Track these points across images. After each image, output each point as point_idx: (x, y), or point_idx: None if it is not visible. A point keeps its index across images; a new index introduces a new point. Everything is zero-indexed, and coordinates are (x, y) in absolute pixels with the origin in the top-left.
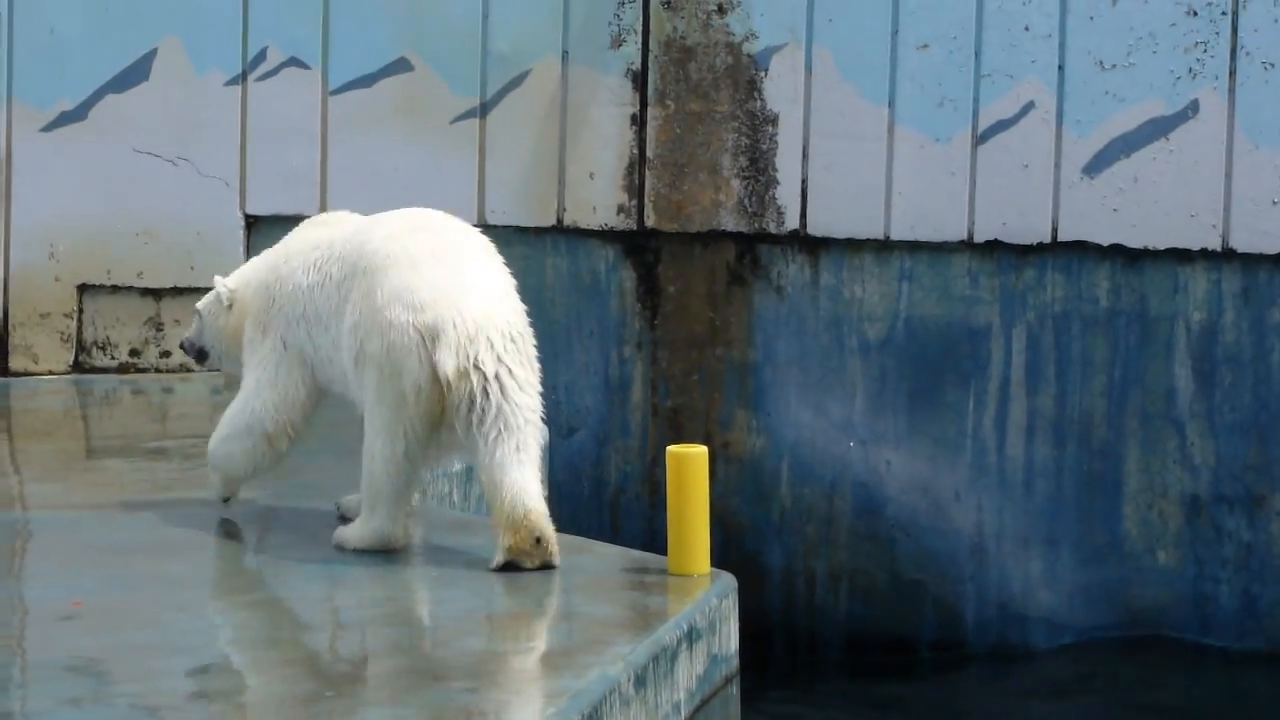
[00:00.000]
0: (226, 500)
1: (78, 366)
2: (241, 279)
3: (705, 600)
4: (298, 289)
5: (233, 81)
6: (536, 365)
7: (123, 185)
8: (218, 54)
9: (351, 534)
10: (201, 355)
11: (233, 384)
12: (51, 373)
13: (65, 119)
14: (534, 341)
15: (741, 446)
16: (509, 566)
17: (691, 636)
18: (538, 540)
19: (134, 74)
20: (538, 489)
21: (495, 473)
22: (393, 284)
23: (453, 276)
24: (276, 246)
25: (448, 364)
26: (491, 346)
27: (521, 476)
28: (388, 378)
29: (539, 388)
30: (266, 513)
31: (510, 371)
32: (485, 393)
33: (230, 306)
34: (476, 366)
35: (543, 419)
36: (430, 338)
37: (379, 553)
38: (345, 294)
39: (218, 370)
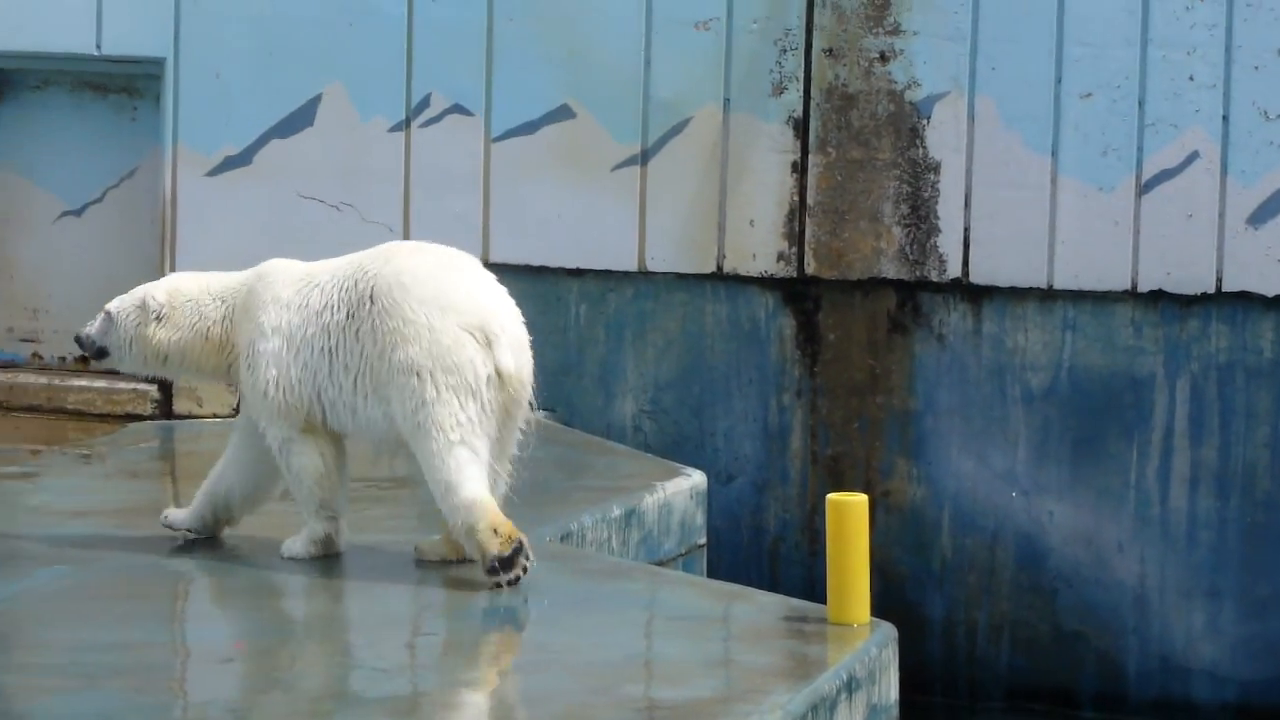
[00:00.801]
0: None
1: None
2: (180, 297)
3: (865, 650)
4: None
5: (396, 128)
6: None
7: (287, 230)
8: (382, 100)
9: (468, 547)
10: (101, 354)
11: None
12: (215, 416)
13: (230, 164)
14: None
15: (902, 495)
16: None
17: (851, 686)
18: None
19: (299, 120)
20: None
21: (497, 476)
22: (420, 295)
23: (476, 286)
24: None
25: (508, 363)
26: (523, 350)
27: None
28: (440, 374)
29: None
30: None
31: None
32: (522, 396)
33: (158, 319)
34: (522, 368)
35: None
36: (484, 338)
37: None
38: (352, 325)
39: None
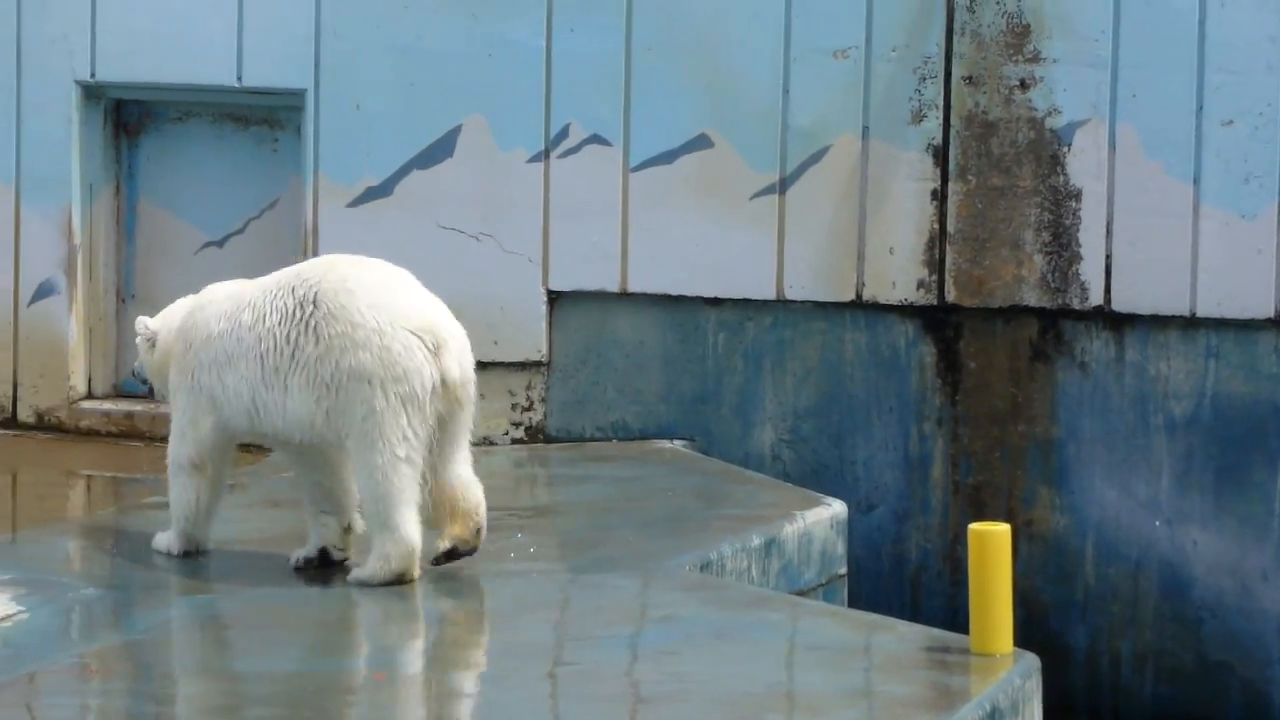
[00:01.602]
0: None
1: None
2: (166, 323)
3: (1008, 680)
4: (211, 336)
5: (535, 158)
6: None
7: (427, 261)
8: (521, 131)
9: (370, 568)
10: (151, 387)
11: None
12: None
13: (371, 195)
14: None
15: (1044, 524)
16: (450, 554)
17: (994, 717)
18: (477, 531)
19: (439, 151)
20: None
21: (451, 470)
22: (367, 302)
23: (419, 295)
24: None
25: (453, 371)
26: (467, 357)
27: (469, 474)
28: (389, 383)
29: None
30: (568, 584)
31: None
32: (466, 399)
33: (151, 345)
34: (466, 375)
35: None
36: (432, 345)
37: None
38: (285, 328)
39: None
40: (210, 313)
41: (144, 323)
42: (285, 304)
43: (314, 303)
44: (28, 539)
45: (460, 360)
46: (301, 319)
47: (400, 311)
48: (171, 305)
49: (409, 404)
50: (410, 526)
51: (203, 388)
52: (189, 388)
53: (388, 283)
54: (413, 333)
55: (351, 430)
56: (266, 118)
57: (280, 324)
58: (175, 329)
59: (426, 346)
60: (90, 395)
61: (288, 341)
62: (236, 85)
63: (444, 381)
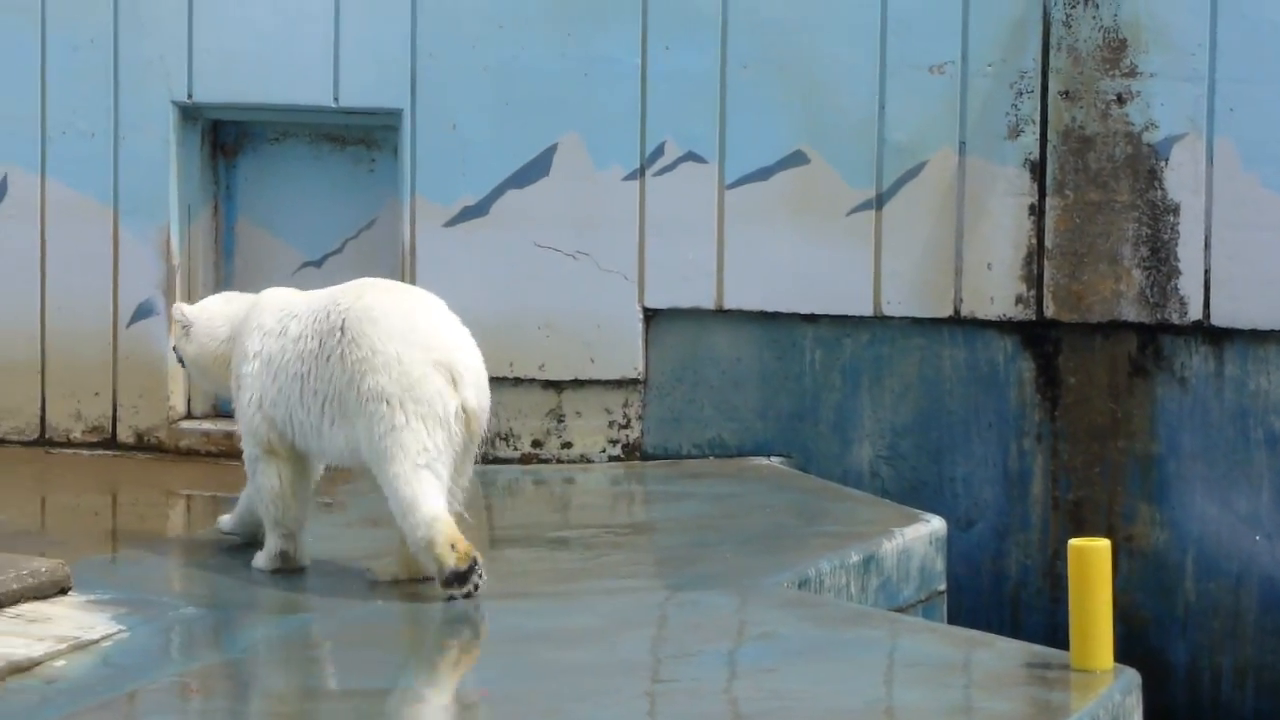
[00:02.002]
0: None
1: (481, 457)
2: (204, 314)
3: (1109, 696)
4: (265, 337)
5: (630, 176)
6: None
7: (524, 279)
8: (616, 149)
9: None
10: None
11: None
12: None
13: (467, 214)
14: None
15: (1144, 540)
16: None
17: None
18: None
19: (535, 169)
20: None
21: (453, 499)
22: (389, 328)
23: (443, 324)
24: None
25: (470, 400)
26: (483, 388)
27: (449, 505)
28: (409, 403)
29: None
30: (665, 601)
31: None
32: (476, 432)
33: (185, 332)
34: (482, 405)
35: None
36: (449, 374)
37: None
38: (322, 353)
39: None
40: (265, 318)
41: (181, 310)
42: (321, 328)
43: (341, 329)
44: (127, 559)
45: (478, 390)
46: (331, 345)
47: (420, 340)
48: (215, 297)
49: (428, 420)
50: (435, 505)
51: (253, 387)
52: (243, 385)
53: (412, 312)
54: (431, 362)
55: (373, 448)
56: (363, 138)
57: (318, 348)
58: (231, 324)
59: (444, 376)
60: (189, 415)
61: (322, 365)
62: (333, 105)
63: (464, 410)
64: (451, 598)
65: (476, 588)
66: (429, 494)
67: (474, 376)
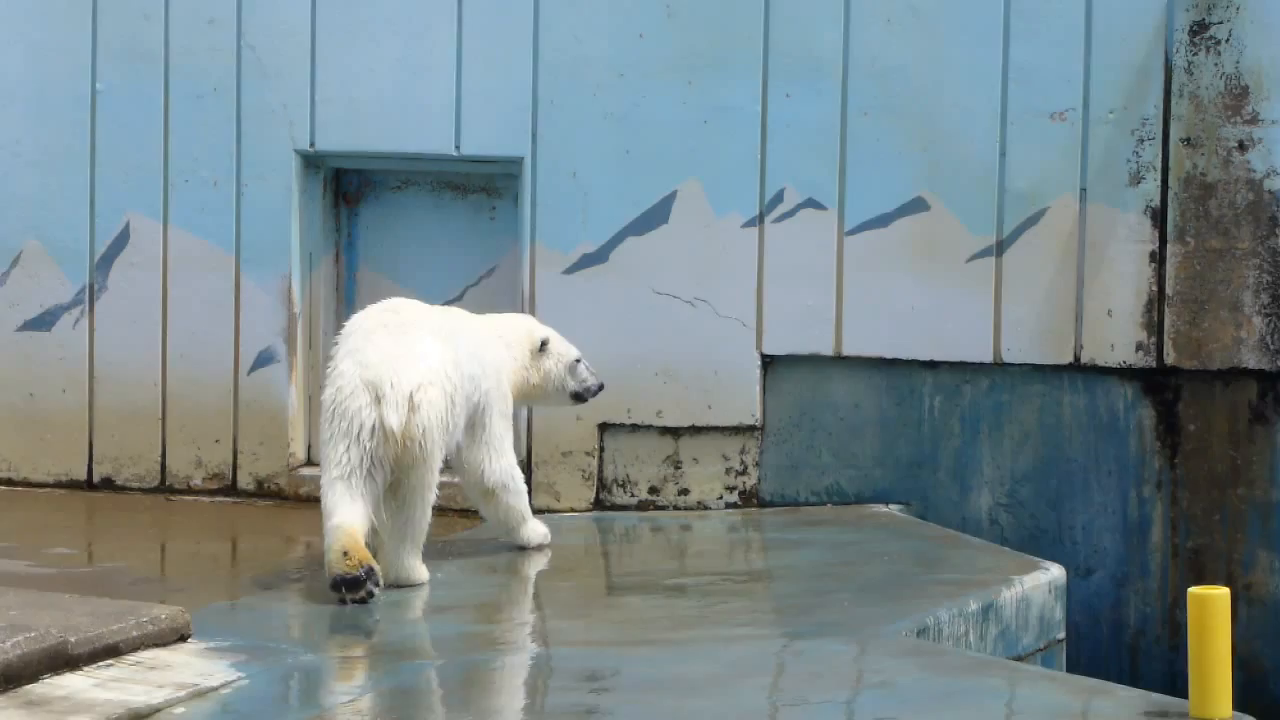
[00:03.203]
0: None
1: (598, 504)
2: None
3: None
4: None
5: (750, 223)
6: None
7: (642, 325)
8: (736, 196)
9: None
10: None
11: None
12: (573, 510)
13: (587, 261)
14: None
15: (1264, 588)
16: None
17: None
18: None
19: (654, 217)
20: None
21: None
22: (350, 346)
23: (396, 345)
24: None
25: (390, 419)
26: (418, 411)
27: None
28: (334, 419)
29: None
30: (783, 649)
31: (430, 440)
32: (411, 458)
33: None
34: (408, 430)
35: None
36: (375, 393)
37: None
38: None
39: None
40: None
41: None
42: None
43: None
44: (247, 605)
45: (399, 411)
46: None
47: (361, 358)
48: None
49: (347, 435)
50: (341, 514)
51: None
52: None
53: (380, 330)
54: (362, 380)
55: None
56: (485, 185)
57: None
58: None
59: (369, 395)
60: (309, 462)
61: None
62: (455, 154)
63: (383, 429)
64: (341, 601)
65: (371, 595)
66: (338, 504)
67: (397, 397)
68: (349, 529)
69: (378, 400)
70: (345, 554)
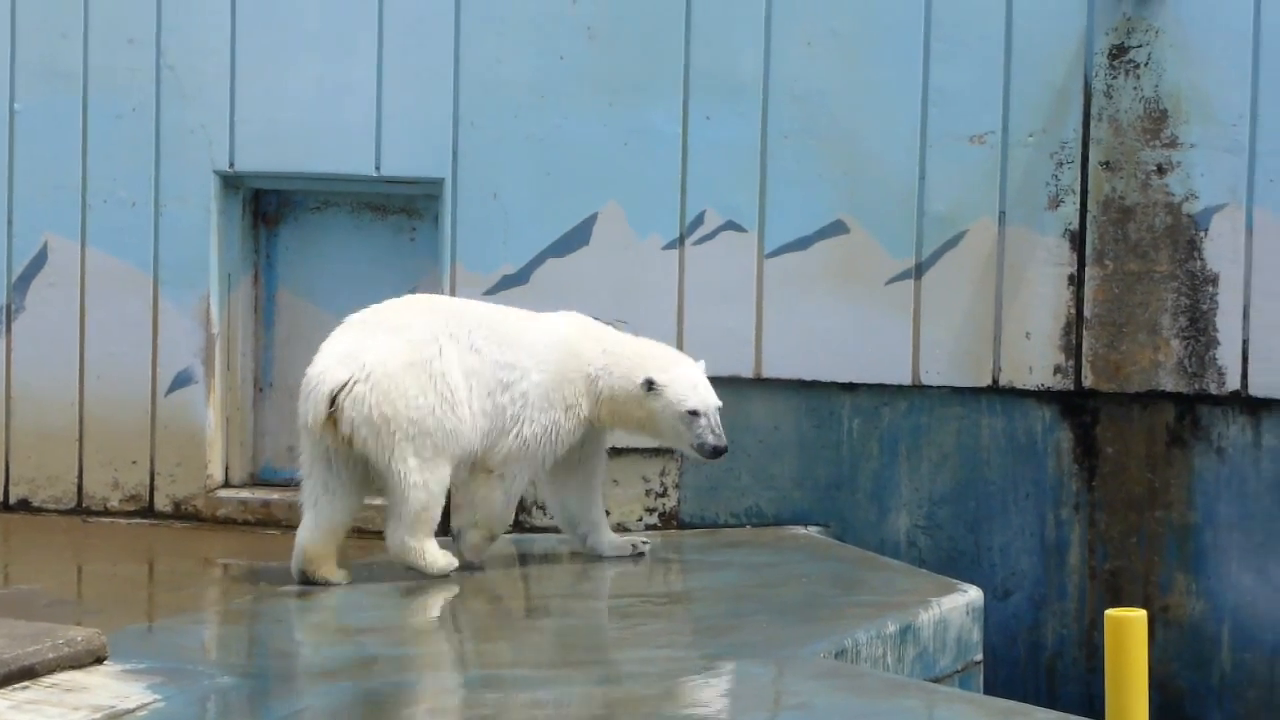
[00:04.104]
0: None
1: (518, 525)
2: None
3: None
4: None
5: (670, 245)
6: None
7: None
8: (657, 218)
9: None
10: None
11: None
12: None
13: (507, 282)
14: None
15: (1181, 610)
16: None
17: None
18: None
19: (575, 238)
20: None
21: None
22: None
23: (351, 344)
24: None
25: (301, 413)
26: (343, 409)
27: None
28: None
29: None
30: (702, 671)
31: (361, 434)
32: (352, 440)
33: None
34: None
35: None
36: (303, 390)
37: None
38: None
39: None
40: None
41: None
42: None
43: None
44: (164, 628)
45: (315, 408)
46: None
47: (315, 357)
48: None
49: (302, 431)
50: (301, 529)
51: None
52: None
53: (349, 327)
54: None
55: None
56: (405, 206)
57: None
58: None
59: (303, 391)
60: (227, 484)
61: None
62: (375, 174)
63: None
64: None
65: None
66: (303, 512)
67: (316, 395)
68: (304, 547)
69: (305, 398)
70: (303, 572)
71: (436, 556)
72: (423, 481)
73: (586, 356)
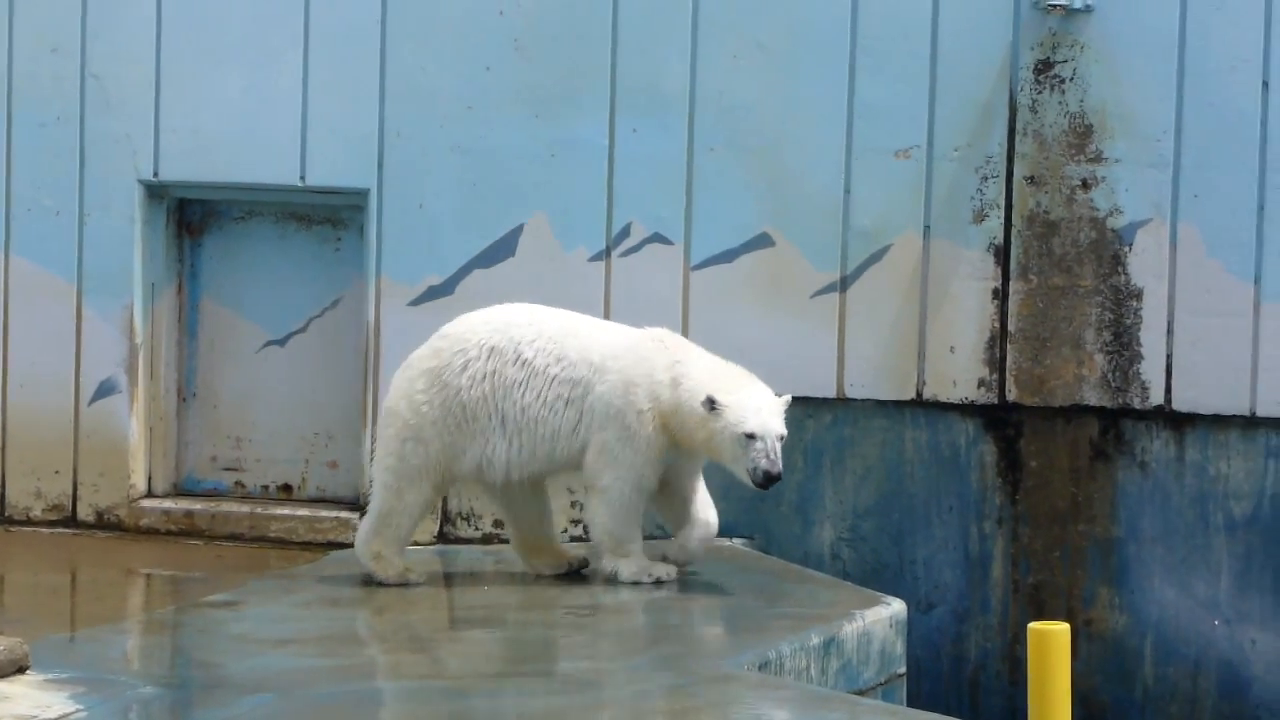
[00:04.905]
0: None
1: (442, 537)
2: None
3: None
4: None
5: (597, 257)
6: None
7: None
8: (583, 229)
9: None
10: None
11: None
12: (416, 544)
13: (433, 293)
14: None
15: (1104, 624)
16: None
17: None
18: None
19: (501, 249)
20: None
21: None
22: None
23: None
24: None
25: None
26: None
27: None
28: None
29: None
30: (626, 683)
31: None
32: None
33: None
34: None
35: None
36: None
37: None
38: None
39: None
40: None
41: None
42: None
43: None
44: (86, 638)
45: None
46: None
47: None
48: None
49: None
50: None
51: None
52: None
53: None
54: None
55: None
56: (330, 217)
57: None
58: None
59: None
60: (150, 494)
61: None
62: (300, 185)
63: None
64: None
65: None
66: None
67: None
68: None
69: None
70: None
71: (392, 564)
72: (397, 487)
73: (654, 365)
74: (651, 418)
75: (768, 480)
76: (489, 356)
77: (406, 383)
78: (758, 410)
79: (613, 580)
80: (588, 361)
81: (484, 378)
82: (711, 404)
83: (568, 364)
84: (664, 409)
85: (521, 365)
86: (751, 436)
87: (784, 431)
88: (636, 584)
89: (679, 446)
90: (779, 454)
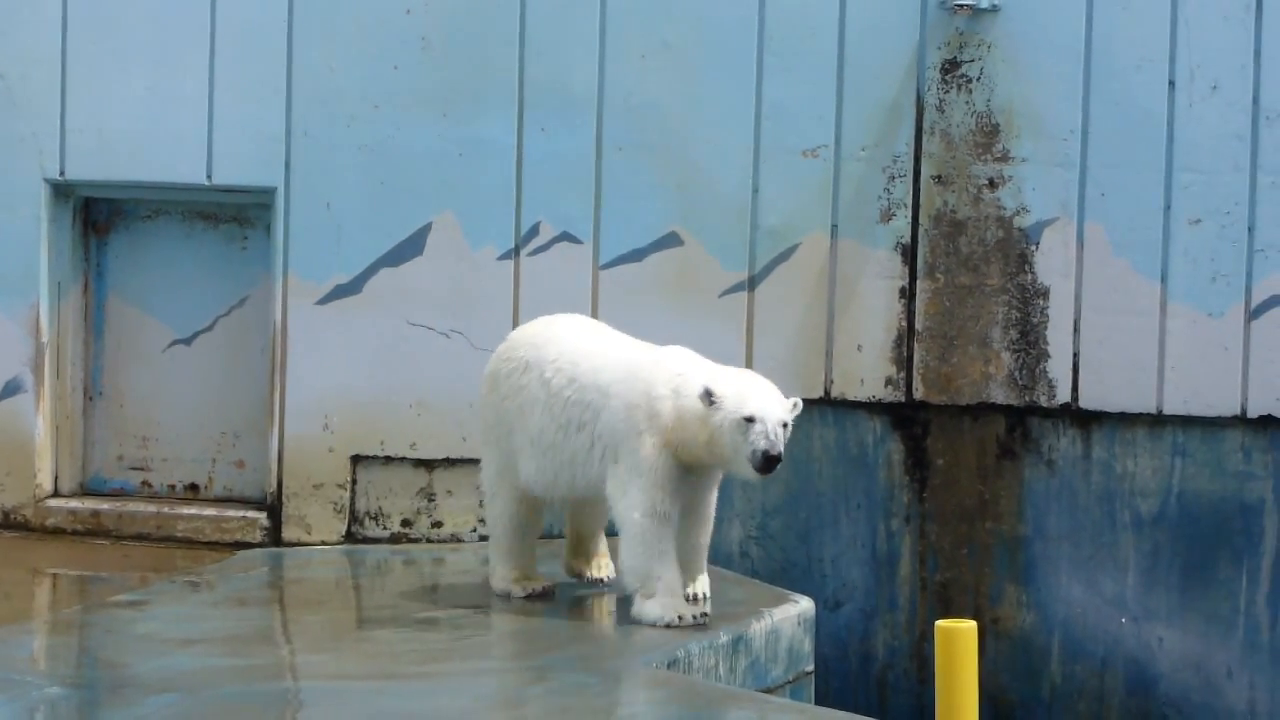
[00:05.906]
0: None
1: (350, 537)
2: None
3: None
4: None
5: (505, 256)
6: None
7: (396, 357)
8: (491, 228)
9: None
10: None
11: None
12: (324, 543)
13: (340, 292)
14: None
15: (1011, 622)
16: None
17: None
18: None
19: (409, 248)
20: None
21: None
22: None
23: None
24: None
25: None
26: None
27: None
28: None
29: None
30: (533, 682)
31: None
32: None
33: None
34: None
35: None
36: None
37: None
38: None
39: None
40: None
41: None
42: None
43: None
44: None
45: None
46: None
47: None
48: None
49: None
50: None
51: None
52: None
53: None
54: None
55: None
56: (236, 216)
57: None
58: None
59: None
60: (57, 493)
61: None
62: (206, 183)
63: None
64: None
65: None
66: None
67: None
68: None
69: None
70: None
71: (497, 574)
72: (489, 494)
73: (652, 383)
74: (652, 438)
75: (767, 462)
76: (523, 370)
77: (482, 384)
78: (757, 394)
79: (639, 623)
80: (596, 385)
81: (518, 391)
82: (709, 396)
83: (579, 387)
84: (666, 425)
85: (543, 385)
86: (751, 420)
87: (787, 419)
88: (669, 627)
89: (687, 465)
90: (779, 437)
